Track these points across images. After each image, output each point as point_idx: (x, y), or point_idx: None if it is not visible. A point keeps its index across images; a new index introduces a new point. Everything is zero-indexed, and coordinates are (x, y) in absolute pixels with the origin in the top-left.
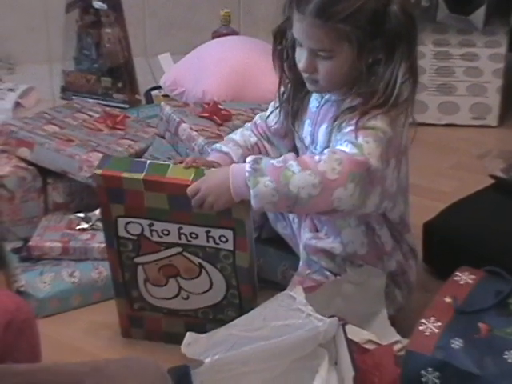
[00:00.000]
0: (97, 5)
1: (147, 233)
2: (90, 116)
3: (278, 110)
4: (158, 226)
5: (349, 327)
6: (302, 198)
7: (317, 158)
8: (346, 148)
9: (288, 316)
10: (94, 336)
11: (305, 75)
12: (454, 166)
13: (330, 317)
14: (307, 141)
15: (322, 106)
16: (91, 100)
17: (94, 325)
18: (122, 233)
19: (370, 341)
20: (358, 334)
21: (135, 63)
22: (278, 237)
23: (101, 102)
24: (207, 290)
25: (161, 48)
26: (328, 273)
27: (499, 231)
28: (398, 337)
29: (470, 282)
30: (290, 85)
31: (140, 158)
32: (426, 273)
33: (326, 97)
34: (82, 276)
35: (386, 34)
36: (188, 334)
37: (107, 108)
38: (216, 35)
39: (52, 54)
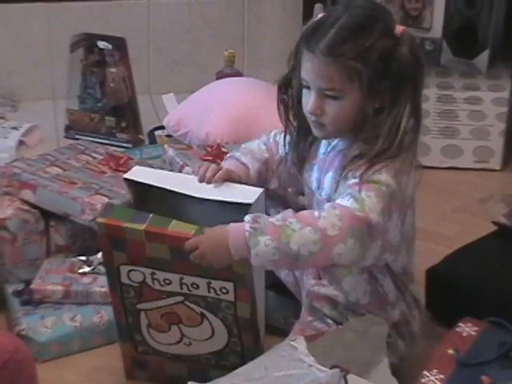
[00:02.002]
0: (101, 44)
1: (149, 281)
2: (94, 158)
3: (284, 158)
4: (160, 275)
5: (351, 377)
6: (303, 255)
7: (316, 213)
8: (347, 202)
9: (289, 366)
10: (94, 381)
11: (311, 118)
12: (457, 210)
13: (332, 367)
14: (314, 186)
15: (329, 152)
16: (94, 139)
17: (94, 369)
18: (124, 279)
19: None
20: (360, 383)
21: (139, 102)
22: (281, 283)
23: (104, 141)
24: (209, 338)
25: (165, 87)
26: (330, 321)
27: (503, 279)
28: None
29: (473, 333)
30: (295, 133)
31: None
32: (428, 319)
33: (333, 143)
34: (84, 320)
35: (393, 75)
36: (189, 383)
37: (110, 149)
38: (220, 76)
39: (56, 91)
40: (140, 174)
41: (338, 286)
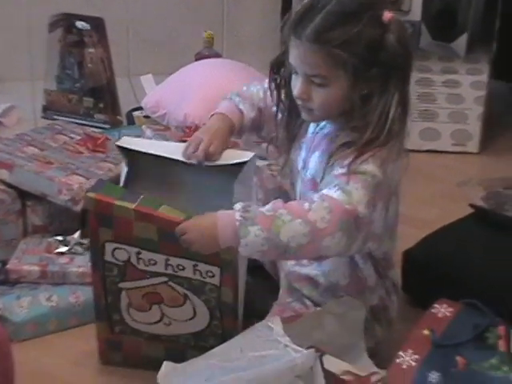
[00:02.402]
0: (80, 25)
1: (134, 260)
2: (71, 138)
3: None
4: (146, 255)
5: (327, 358)
6: (292, 247)
7: (306, 205)
8: (335, 194)
9: (265, 347)
10: (71, 361)
11: (299, 103)
12: (435, 194)
13: (308, 347)
14: (300, 165)
15: (317, 133)
16: (72, 120)
17: (70, 350)
18: (108, 257)
19: (348, 372)
20: (336, 364)
21: (117, 83)
22: (258, 264)
23: (82, 122)
24: (190, 319)
25: (143, 68)
26: (308, 302)
27: (478, 261)
28: (375, 368)
29: (448, 314)
30: (286, 113)
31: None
32: (404, 302)
33: (322, 124)
34: (60, 300)
35: (382, 64)
36: (165, 363)
37: (88, 129)
38: (199, 57)
39: (34, 72)
40: (131, 142)
41: (319, 265)
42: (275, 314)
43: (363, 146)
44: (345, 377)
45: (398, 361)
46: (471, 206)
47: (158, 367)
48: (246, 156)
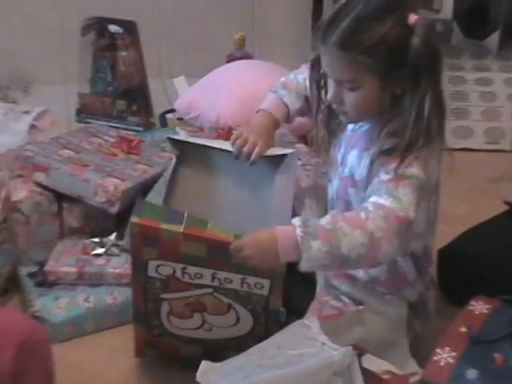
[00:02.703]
0: (112, 28)
1: (179, 274)
2: (105, 141)
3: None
4: (192, 269)
5: (367, 356)
6: (353, 258)
7: (363, 215)
8: (387, 201)
9: (302, 345)
10: (109, 361)
11: (334, 106)
12: (468, 190)
13: (347, 345)
14: (338, 161)
15: (357, 130)
16: (105, 123)
17: (109, 350)
18: (151, 273)
19: (388, 371)
20: (376, 363)
21: (150, 85)
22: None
23: (115, 124)
24: (233, 325)
25: (175, 70)
26: (346, 299)
27: None
28: (417, 368)
29: (485, 311)
30: (326, 112)
31: (155, 182)
32: (440, 298)
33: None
34: (97, 301)
35: (410, 65)
36: (203, 362)
37: (122, 132)
38: (230, 59)
39: (67, 75)
40: (181, 136)
41: None
42: (313, 312)
43: (406, 150)
44: (385, 376)
45: (435, 358)
46: (506, 203)
47: (194, 366)
48: (288, 151)
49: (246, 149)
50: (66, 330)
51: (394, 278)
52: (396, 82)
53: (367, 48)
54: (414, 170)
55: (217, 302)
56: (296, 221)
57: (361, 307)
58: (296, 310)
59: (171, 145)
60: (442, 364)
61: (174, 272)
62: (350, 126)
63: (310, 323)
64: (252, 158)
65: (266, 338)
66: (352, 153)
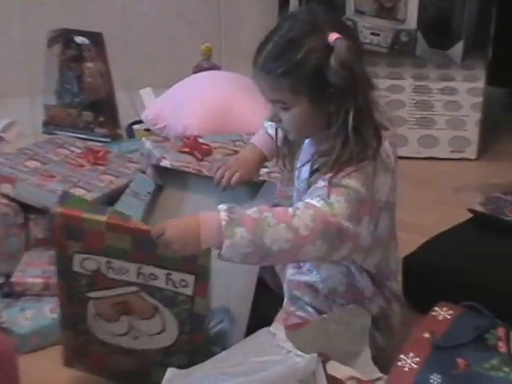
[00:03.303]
0: (78, 40)
1: (104, 269)
2: (72, 151)
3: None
4: (117, 263)
5: (331, 363)
6: (273, 251)
7: (291, 211)
8: (318, 203)
9: (268, 352)
10: (73, 372)
11: (276, 125)
12: (433, 200)
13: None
14: (301, 187)
15: (306, 144)
16: (72, 134)
17: None
18: (76, 268)
19: (352, 377)
20: (340, 370)
21: (117, 97)
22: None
23: (82, 136)
24: (158, 333)
25: (142, 82)
26: (311, 309)
27: (478, 266)
28: (380, 374)
29: (449, 317)
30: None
31: (122, 193)
32: (406, 307)
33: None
34: None
35: (331, 84)
36: (169, 369)
37: (89, 143)
38: (197, 70)
39: (33, 87)
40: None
41: (317, 273)
42: (280, 321)
43: (339, 164)
44: (349, 382)
45: (399, 363)
46: (470, 210)
47: (121, 381)
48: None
49: (225, 176)
50: (33, 341)
51: (352, 291)
52: (326, 101)
53: (286, 70)
54: (352, 181)
55: (143, 303)
56: (222, 206)
57: (325, 316)
58: (263, 319)
59: (154, 172)
60: (405, 369)
61: (99, 267)
62: (306, 141)
63: (275, 331)
64: (224, 183)
65: (191, 352)
66: (304, 167)
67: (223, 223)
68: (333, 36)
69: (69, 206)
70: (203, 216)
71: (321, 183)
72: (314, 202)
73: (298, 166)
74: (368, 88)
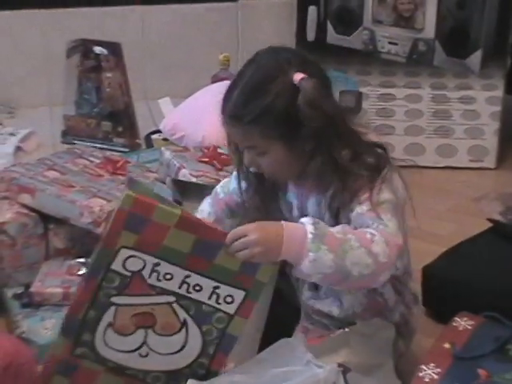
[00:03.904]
0: (97, 50)
1: (146, 272)
2: (91, 161)
3: (243, 188)
4: (164, 267)
5: (351, 374)
6: (354, 275)
7: (369, 236)
8: (380, 228)
9: (288, 363)
10: None
11: (254, 170)
12: (452, 209)
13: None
14: (295, 214)
15: (304, 180)
16: (91, 144)
17: None
18: (116, 266)
19: None
20: (361, 382)
21: (135, 107)
22: None
23: (101, 146)
24: (174, 353)
25: (160, 92)
26: (331, 326)
27: (498, 275)
28: None
29: (469, 327)
30: (253, 176)
31: None
32: (425, 316)
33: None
34: None
35: (305, 124)
36: (189, 380)
37: (107, 153)
38: (215, 79)
39: (53, 98)
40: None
41: (335, 300)
42: (299, 332)
43: (372, 179)
44: None
45: (420, 374)
46: (490, 220)
47: None
48: None
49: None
50: None
51: (372, 307)
52: (302, 140)
53: (255, 118)
54: (386, 194)
55: (171, 316)
56: (307, 219)
57: (347, 329)
58: (281, 330)
59: (173, 186)
60: (426, 380)
61: (143, 268)
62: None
63: (295, 341)
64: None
65: (205, 376)
66: (310, 201)
67: (309, 236)
68: (297, 76)
69: (140, 193)
70: (286, 226)
71: (362, 208)
72: (374, 228)
73: (297, 204)
74: (344, 117)
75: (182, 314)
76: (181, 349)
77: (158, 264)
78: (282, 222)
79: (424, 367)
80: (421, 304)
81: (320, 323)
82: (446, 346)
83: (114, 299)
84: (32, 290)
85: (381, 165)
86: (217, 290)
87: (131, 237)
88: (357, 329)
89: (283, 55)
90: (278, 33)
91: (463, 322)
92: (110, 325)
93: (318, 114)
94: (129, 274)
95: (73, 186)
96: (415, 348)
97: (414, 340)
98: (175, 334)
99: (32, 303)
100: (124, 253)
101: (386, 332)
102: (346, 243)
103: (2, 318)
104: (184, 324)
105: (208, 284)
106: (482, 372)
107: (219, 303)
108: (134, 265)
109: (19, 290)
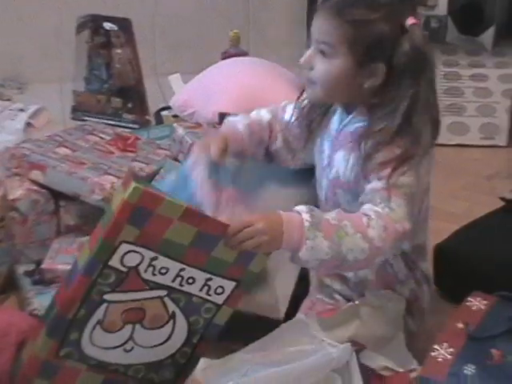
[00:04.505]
0: (107, 26)
1: (142, 267)
2: (102, 138)
3: (296, 122)
4: (161, 261)
5: (365, 353)
6: (348, 260)
7: (365, 220)
8: (384, 211)
9: (302, 342)
10: None
11: (305, 75)
12: (464, 187)
13: (348, 341)
14: (324, 162)
15: (341, 130)
16: (101, 120)
17: None
18: (113, 262)
19: (386, 367)
20: (374, 359)
21: (145, 83)
22: None
23: (111, 122)
24: (158, 345)
25: (170, 68)
26: (339, 297)
27: (510, 254)
28: (414, 363)
29: (483, 307)
30: (307, 102)
31: (152, 180)
32: (437, 295)
33: (346, 121)
34: None
35: (389, 63)
36: (202, 359)
37: (118, 129)
38: (225, 56)
39: (63, 74)
40: None
41: None
42: (306, 308)
43: (398, 160)
44: (384, 372)
45: (433, 354)
46: (502, 199)
47: None
48: None
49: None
50: None
51: (384, 277)
52: (370, 72)
53: (356, 21)
54: (406, 178)
55: (160, 310)
56: (301, 208)
57: (357, 302)
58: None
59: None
60: (439, 360)
61: (140, 263)
62: (335, 125)
63: (308, 320)
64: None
65: (183, 366)
66: (338, 153)
67: (306, 224)
68: (411, 20)
69: (143, 185)
70: (284, 215)
71: (378, 184)
72: (379, 209)
73: (328, 152)
74: (433, 76)
75: (172, 307)
76: (166, 340)
77: (155, 258)
78: (280, 211)
79: (437, 347)
80: (433, 284)
81: (331, 290)
82: (460, 325)
83: (107, 296)
84: (43, 266)
85: (417, 148)
86: (209, 282)
87: (134, 231)
88: (366, 301)
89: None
90: (290, 9)
91: (477, 302)
92: (98, 322)
93: (419, 59)
94: (125, 269)
95: (83, 163)
96: (426, 327)
97: (426, 320)
98: (162, 326)
99: (43, 280)
100: (123, 248)
101: (396, 304)
102: (341, 229)
103: (14, 295)
104: (172, 316)
105: (201, 276)
106: (495, 352)
107: (209, 294)
108: (131, 260)
109: (30, 267)
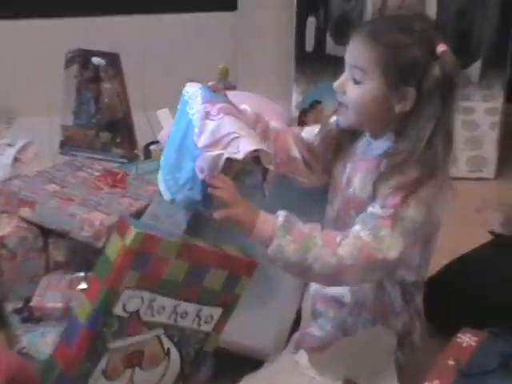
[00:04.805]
0: (95, 60)
1: (143, 310)
2: (91, 174)
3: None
4: (159, 301)
5: None
6: (313, 270)
7: (338, 239)
8: (367, 238)
9: (292, 380)
10: None
11: (337, 100)
12: (453, 219)
13: (344, 380)
14: (343, 182)
15: (367, 153)
16: (89, 155)
17: None
18: (117, 310)
19: None
20: None
21: (134, 117)
22: None
23: (99, 156)
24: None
25: (159, 102)
26: (330, 328)
27: (501, 288)
28: None
29: (473, 344)
30: (336, 129)
31: (141, 215)
32: (427, 329)
33: (372, 145)
34: None
35: (420, 87)
36: None
37: (107, 165)
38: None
39: (51, 108)
40: None
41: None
42: (296, 342)
43: (410, 186)
44: None
45: None
46: (490, 232)
47: None
48: None
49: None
50: None
51: (381, 305)
52: (400, 95)
53: (391, 45)
54: (410, 211)
55: (157, 348)
56: (282, 212)
57: (348, 338)
58: None
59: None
60: None
61: (141, 307)
62: (360, 150)
63: (298, 358)
64: None
65: None
66: (359, 174)
67: (278, 224)
68: (442, 46)
69: (142, 228)
70: (262, 212)
71: (379, 211)
72: (363, 234)
73: (348, 172)
74: (456, 105)
75: (167, 344)
76: (162, 376)
77: (153, 299)
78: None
79: None
80: (424, 319)
81: (323, 320)
82: (451, 362)
83: (111, 345)
84: (32, 304)
85: (433, 173)
86: (200, 313)
87: (135, 276)
88: (359, 336)
89: (435, 26)
90: (278, 43)
91: (467, 339)
92: (102, 372)
93: (447, 84)
94: (127, 315)
95: (72, 200)
96: (416, 363)
97: (417, 356)
98: (158, 365)
99: (32, 318)
100: (126, 294)
101: (387, 339)
102: (310, 240)
103: (2, 333)
104: (167, 353)
105: (193, 308)
106: None
107: (200, 324)
108: (133, 305)
109: (19, 304)
